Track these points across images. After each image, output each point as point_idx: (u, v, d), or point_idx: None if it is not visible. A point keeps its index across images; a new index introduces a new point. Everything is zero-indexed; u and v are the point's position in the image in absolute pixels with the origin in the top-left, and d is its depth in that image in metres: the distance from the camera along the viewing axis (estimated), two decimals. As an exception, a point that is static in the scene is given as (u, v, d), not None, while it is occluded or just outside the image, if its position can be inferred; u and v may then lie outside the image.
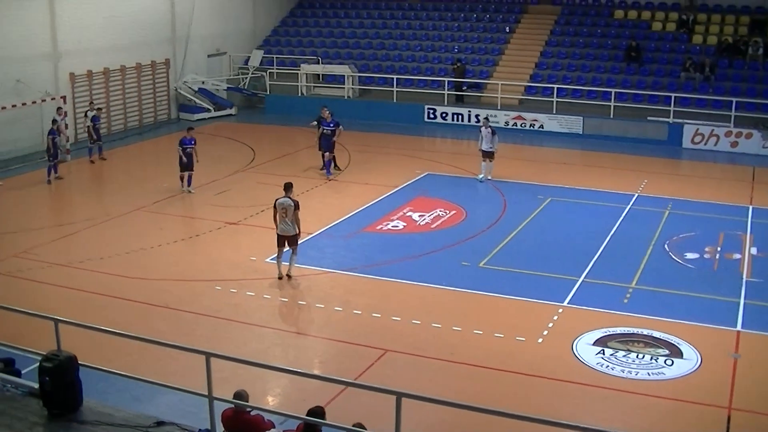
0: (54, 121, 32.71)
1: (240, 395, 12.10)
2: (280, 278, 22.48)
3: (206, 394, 11.47)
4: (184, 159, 30.29)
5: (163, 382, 13.11)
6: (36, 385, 12.33)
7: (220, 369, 12.80)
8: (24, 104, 35.08)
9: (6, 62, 34.93)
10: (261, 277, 22.68)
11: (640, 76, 42.23)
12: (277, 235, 22.48)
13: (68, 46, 38.13)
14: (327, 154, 32.68)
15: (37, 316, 13.66)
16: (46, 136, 32.12)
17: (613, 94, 40.31)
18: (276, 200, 22.40)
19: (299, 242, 22.72)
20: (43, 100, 35.97)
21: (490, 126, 32.21)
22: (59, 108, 34.67)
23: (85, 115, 36.35)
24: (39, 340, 13.70)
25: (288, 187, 22.58)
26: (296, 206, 22.18)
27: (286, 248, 22.55)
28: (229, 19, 48.56)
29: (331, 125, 32.27)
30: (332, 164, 32.95)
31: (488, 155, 31.99)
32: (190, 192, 30.38)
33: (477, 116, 41.88)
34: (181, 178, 30.56)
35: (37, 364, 12.07)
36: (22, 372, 14.62)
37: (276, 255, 22.65)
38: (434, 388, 16.42)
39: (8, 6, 34.97)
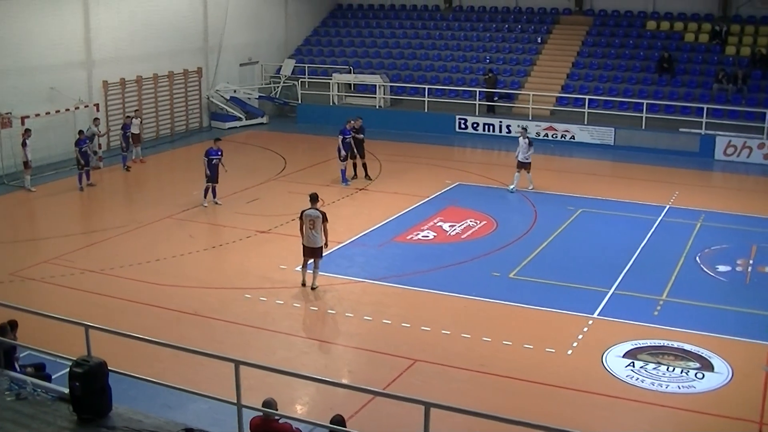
0: (81, 132, 33.00)
1: (268, 403, 12.13)
2: (303, 285, 22.60)
3: (235, 401, 11.50)
4: (208, 171, 29.97)
5: (192, 389, 13.16)
6: (66, 390, 12.41)
7: (249, 377, 12.85)
8: (57, 111, 35.40)
9: (40, 70, 35.29)
10: (290, 286, 22.72)
11: (672, 87, 42.03)
12: (303, 246, 22.46)
13: (102, 54, 38.48)
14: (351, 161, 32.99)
15: (67, 322, 13.75)
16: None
17: (644, 105, 40.17)
18: (303, 211, 22.36)
19: (324, 253, 22.74)
20: (77, 108, 36.27)
21: (527, 136, 32.27)
22: (96, 119, 34.91)
23: (131, 122, 37.03)
24: (69, 346, 13.80)
25: (314, 198, 22.58)
26: (324, 218, 22.17)
27: (311, 260, 22.60)
28: (261, 29, 48.79)
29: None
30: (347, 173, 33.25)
31: (523, 166, 31.99)
32: (216, 204, 30.20)
33: (508, 126, 41.93)
34: (206, 190, 30.27)
35: (68, 369, 12.15)
36: (53, 377, 14.77)
37: (302, 265, 22.72)
38: (463, 399, 16.40)
39: (43, 14, 35.30)
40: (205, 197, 30.23)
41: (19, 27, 34.40)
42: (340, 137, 32.71)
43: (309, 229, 22.14)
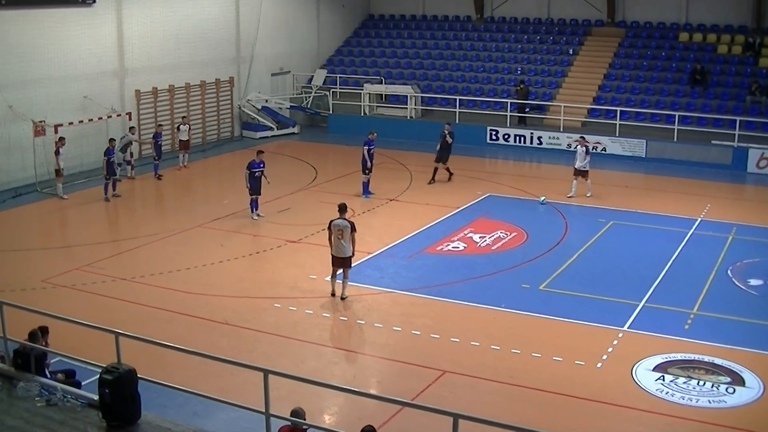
0: (111, 140, 33.27)
1: (297, 413, 12.16)
2: (333, 295, 22.65)
3: (264, 410, 11.53)
4: (249, 184, 29.79)
5: (221, 397, 13.22)
6: (96, 397, 12.50)
7: (278, 386, 12.88)
8: (90, 120, 35.66)
9: (74, 79, 35.64)
10: (320, 296, 22.76)
11: (705, 100, 41.82)
12: (332, 256, 22.50)
13: (134, 63, 38.79)
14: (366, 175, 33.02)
15: (98, 329, 13.84)
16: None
17: (676, 117, 39.98)
18: (331, 221, 22.40)
19: (353, 263, 22.77)
20: (109, 116, 36.54)
21: (585, 145, 32.65)
22: (132, 127, 35.15)
23: (178, 129, 38.09)
24: (100, 353, 13.88)
25: (343, 208, 22.64)
26: (353, 227, 22.22)
27: (340, 270, 22.64)
28: (293, 39, 48.97)
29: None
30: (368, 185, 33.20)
31: (580, 173, 32.49)
32: (259, 216, 30.07)
33: (539, 138, 41.91)
34: (252, 203, 30.11)
35: (98, 376, 12.22)
36: (83, 383, 14.85)
37: (330, 275, 22.78)
38: (492, 411, 16.35)
39: (77, 24, 35.60)
40: (252, 211, 30.15)
41: (53, 37, 34.68)
42: (365, 148, 32.69)
43: (338, 239, 22.17)
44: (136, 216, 31.59)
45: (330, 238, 22.38)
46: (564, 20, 49.49)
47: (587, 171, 32.53)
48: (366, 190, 32.82)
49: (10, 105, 33.16)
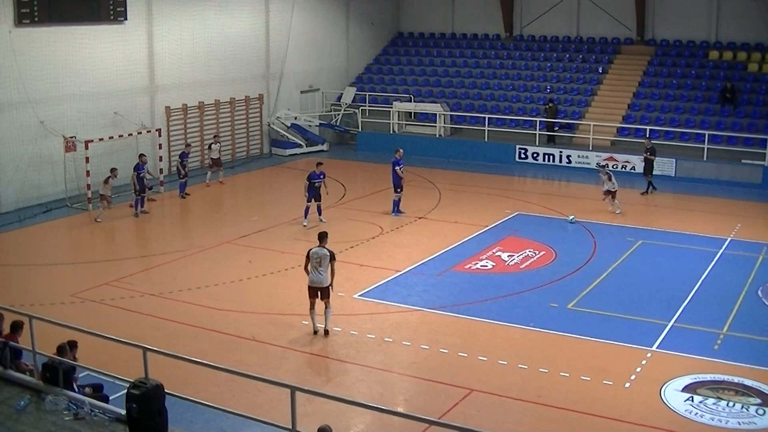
0: (142, 155, 33.42)
1: (324, 430, 12.14)
2: (315, 333, 21.53)
3: (290, 427, 11.53)
4: (306, 194, 30.73)
5: (248, 414, 13.25)
6: (123, 412, 12.56)
7: (305, 403, 12.89)
8: (120, 136, 35.89)
9: (105, 95, 35.98)
10: (348, 313, 22.75)
11: (735, 118, 41.64)
12: (309, 287, 21.44)
13: (165, 80, 39.11)
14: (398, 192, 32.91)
15: (126, 344, 13.91)
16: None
17: (706, 136, 39.81)
18: (309, 250, 21.42)
19: (383, 281, 22.69)
20: (139, 133, 36.78)
21: (608, 172, 33.64)
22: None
23: (209, 147, 38.49)
24: (127, 368, 13.97)
25: (323, 236, 21.53)
26: (332, 257, 21.22)
27: (319, 300, 21.47)
28: (322, 56, 49.17)
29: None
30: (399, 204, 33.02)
31: (610, 194, 33.36)
32: (321, 221, 30.77)
33: (569, 157, 41.83)
34: (306, 210, 30.91)
35: (125, 390, 12.27)
36: (110, 398, 14.93)
37: (309, 308, 21.66)
38: (519, 430, 16.31)
39: (109, 40, 35.97)
40: (305, 217, 30.88)
41: (85, 53, 35.06)
42: (398, 168, 32.60)
43: (315, 268, 21.21)
44: (165, 232, 31.73)
45: (306, 267, 21.43)
46: (593, 38, 49.43)
47: (615, 191, 32.92)
48: (396, 209, 32.79)
49: (41, 120, 33.50)
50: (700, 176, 38.99)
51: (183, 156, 36.24)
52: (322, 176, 30.92)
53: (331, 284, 21.41)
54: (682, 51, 46.74)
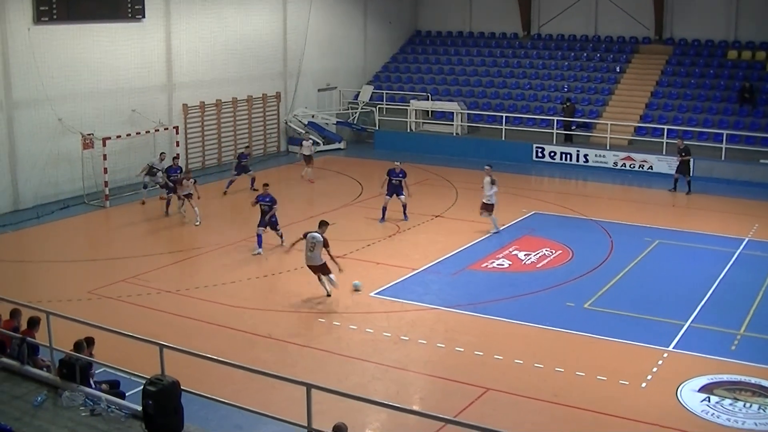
0: (175, 158, 33.71)
1: (339, 428, 12.16)
2: (328, 296, 23.77)
3: (306, 425, 11.54)
4: (386, 189, 31.29)
5: (264, 411, 13.26)
6: (139, 408, 12.60)
7: (321, 401, 12.89)
8: (138, 133, 36.00)
9: (123, 93, 36.08)
10: (364, 311, 22.77)
11: (754, 118, 41.45)
12: (307, 265, 23.82)
13: (183, 77, 39.19)
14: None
15: (142, 341, 13.95)
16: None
17: (724, 135, 39.66)
18: (307, 233, 23.59)
19: (399, 279, 22.86)
20: (156, 130, 36.89)
21: (493, 178, 30.44)
22: (162, 153, 35.00)
23: (300, 145, 39.71)
24: (144, 365, 13.99)
25: (323, 224, 23.73)
26: (325, 243, 23.25)
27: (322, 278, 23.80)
28: (340, 54, 49.20)
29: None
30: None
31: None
32: (406, 218, 31.45)
33: (586, 156, 41.74)
34: (384, 208, 31.31)
35: (141, 387, 12.30)
36: (127, 394, 14.97)
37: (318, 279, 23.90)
38: (535, 429, 16.30)
39: (127, 38, 36.08)
40: (382, 217, 31.40)
41: (103, 51, 35.17)
42: (401, 179, 31.81)
43: (309, 251, 23.39)
44: (182, 229, 31.72)
45: (294, 244, 24.45)
46: (611, 38, 49.27)
47: (492, 205, 30.33)
48: (383, 216, 31.90)
49: (59, 118, 33.60)
50: (718, 176, 38.83)
51: (242, 157, 36.58)
52: (401, 174, 31.24)
53: (339, 269, 23.52)
54: (700, 50, 46.56)
